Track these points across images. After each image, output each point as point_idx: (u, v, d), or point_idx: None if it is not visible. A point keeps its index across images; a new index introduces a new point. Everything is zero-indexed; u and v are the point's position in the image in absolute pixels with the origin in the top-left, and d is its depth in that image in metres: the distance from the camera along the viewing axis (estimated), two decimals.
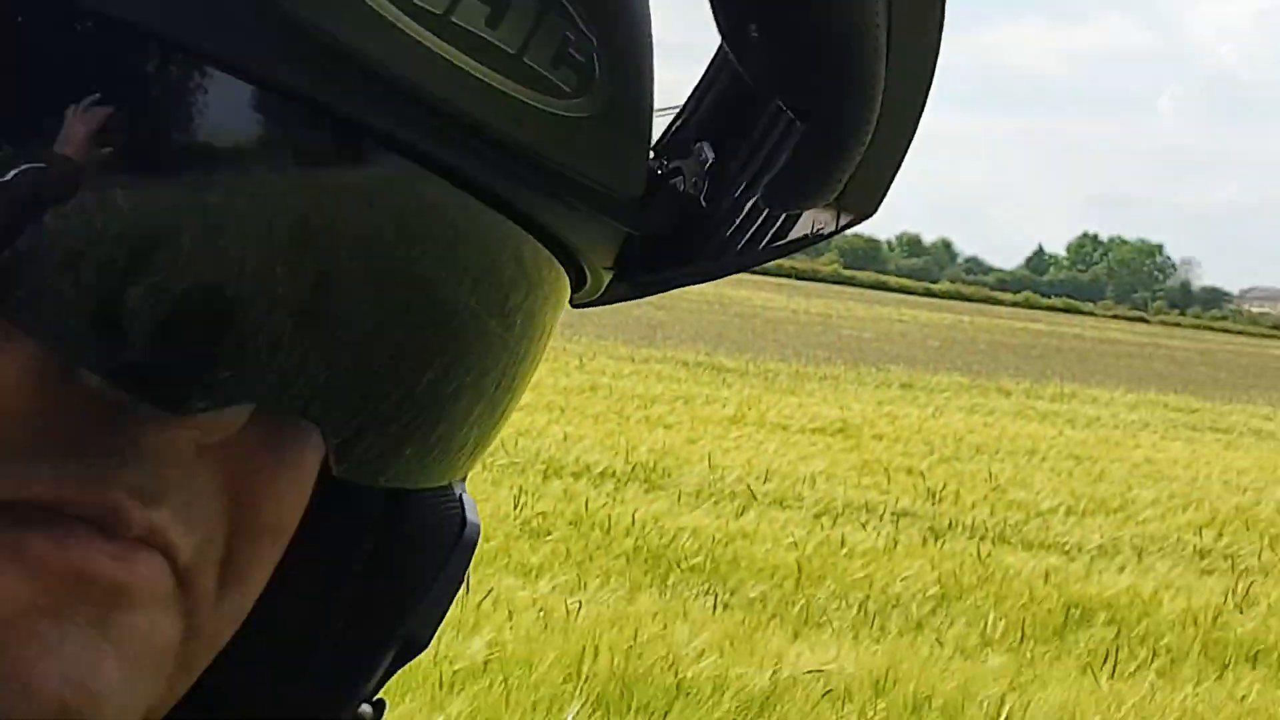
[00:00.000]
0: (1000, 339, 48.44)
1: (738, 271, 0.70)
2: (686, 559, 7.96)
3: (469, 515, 0.73)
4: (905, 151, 0.68)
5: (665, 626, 5.95)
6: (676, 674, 5.11)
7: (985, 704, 5.11)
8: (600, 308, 0.72)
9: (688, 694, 4.94)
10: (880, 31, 0.62)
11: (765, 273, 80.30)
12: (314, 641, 0.71)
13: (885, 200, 0.71)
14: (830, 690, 5.11)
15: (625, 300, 0.72)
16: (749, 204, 0.69)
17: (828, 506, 10.55)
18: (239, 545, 0.59)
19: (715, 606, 6.76)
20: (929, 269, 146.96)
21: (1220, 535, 11.28)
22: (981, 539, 9.84)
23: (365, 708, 0.72)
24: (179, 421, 0.54)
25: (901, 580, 7.86)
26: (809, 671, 5.23)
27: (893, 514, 10.52)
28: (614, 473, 10.54)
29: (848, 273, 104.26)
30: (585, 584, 7.07)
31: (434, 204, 0.56)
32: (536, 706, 4.70)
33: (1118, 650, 6.68)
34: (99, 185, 0.50)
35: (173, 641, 0.58)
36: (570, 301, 0.68)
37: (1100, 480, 14.18)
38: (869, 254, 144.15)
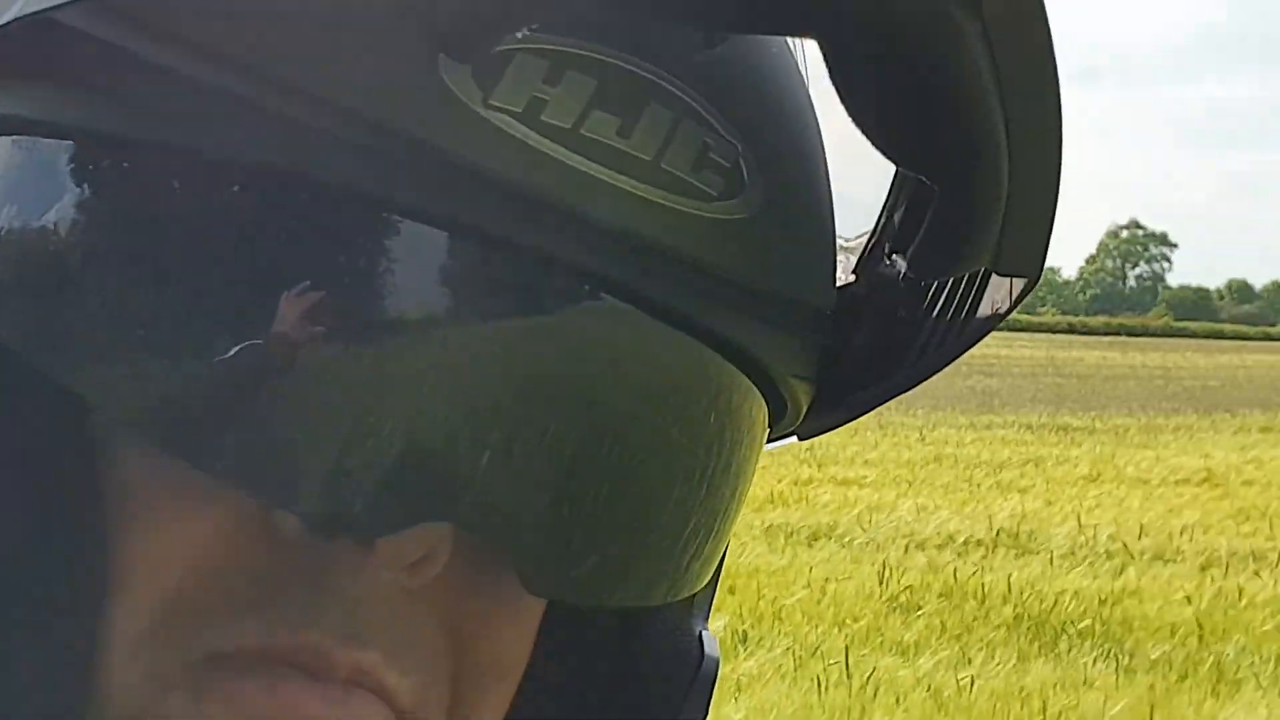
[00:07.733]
0: None
1: (931, 376, 0.68)
2: (1073, 623, 7.34)
3: (707, 649, 0.72)
4: (1052, 205, 0.63)
5: (1070, 697, 5.38)
6: None
7: None
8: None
9: None
10: (990, 96, 0.58)
11: (1091, 332, 78.33)
12: None
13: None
14: None
15: (836, 427, 0.69)
16: (938, 307, 0.67)
17: (1211, 558, 9.81)
18: (464, 688, 0.59)
19: (1117, 671, 6.16)
20: (1264, 314, 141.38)
21: None
22: None
23: None
24: (374, 559, 0.55)
25: None
26: None
27: None
28: (978, 540, 9.95)
29: (1179, 324, 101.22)
30: (969, 658, 6.52)
31: (610, 325, 0.56)
32: None
33: None
34: (313, 358, 0.52)
35: None
36: (777, 432, 0.66)
37: None
38: (1198, 304, 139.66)
